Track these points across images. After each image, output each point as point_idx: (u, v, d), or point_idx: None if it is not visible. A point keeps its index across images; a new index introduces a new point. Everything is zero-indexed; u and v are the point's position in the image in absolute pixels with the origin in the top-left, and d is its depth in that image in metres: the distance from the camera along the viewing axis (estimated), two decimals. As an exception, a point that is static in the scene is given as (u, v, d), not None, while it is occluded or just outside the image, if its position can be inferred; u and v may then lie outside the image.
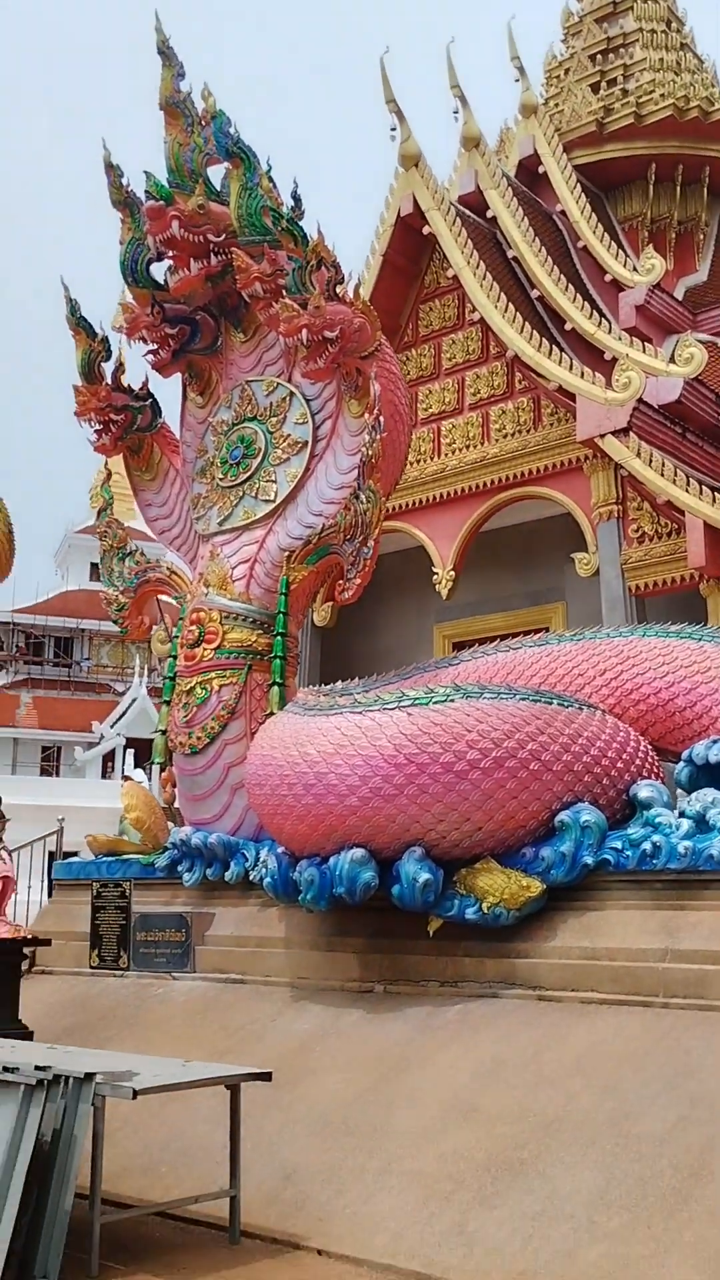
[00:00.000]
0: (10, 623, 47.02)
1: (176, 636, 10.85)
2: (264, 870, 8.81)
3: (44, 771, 46.21)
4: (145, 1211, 5.79)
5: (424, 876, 7.90)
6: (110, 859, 10.83)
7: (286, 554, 10.31)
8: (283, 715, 8.99)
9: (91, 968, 10.27)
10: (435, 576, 15.66)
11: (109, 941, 10.21)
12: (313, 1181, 6.27)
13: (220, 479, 10.90)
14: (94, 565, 50.92)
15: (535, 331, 14.85)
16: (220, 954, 9.52)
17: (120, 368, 11.58)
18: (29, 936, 8.98)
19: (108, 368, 11.55)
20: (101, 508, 12.06)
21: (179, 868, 10.13)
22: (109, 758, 45.81)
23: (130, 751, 44.19)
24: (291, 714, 8.84)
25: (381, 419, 9.63)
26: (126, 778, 12.55)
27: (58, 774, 46.19)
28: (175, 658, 10.80)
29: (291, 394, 10.73)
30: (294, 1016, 8.32)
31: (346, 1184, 6.16)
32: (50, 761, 47.21)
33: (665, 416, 14.67)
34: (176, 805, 10.71)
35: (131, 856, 10.67)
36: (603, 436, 13.88)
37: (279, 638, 10.24)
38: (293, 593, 10.29)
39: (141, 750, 44.75)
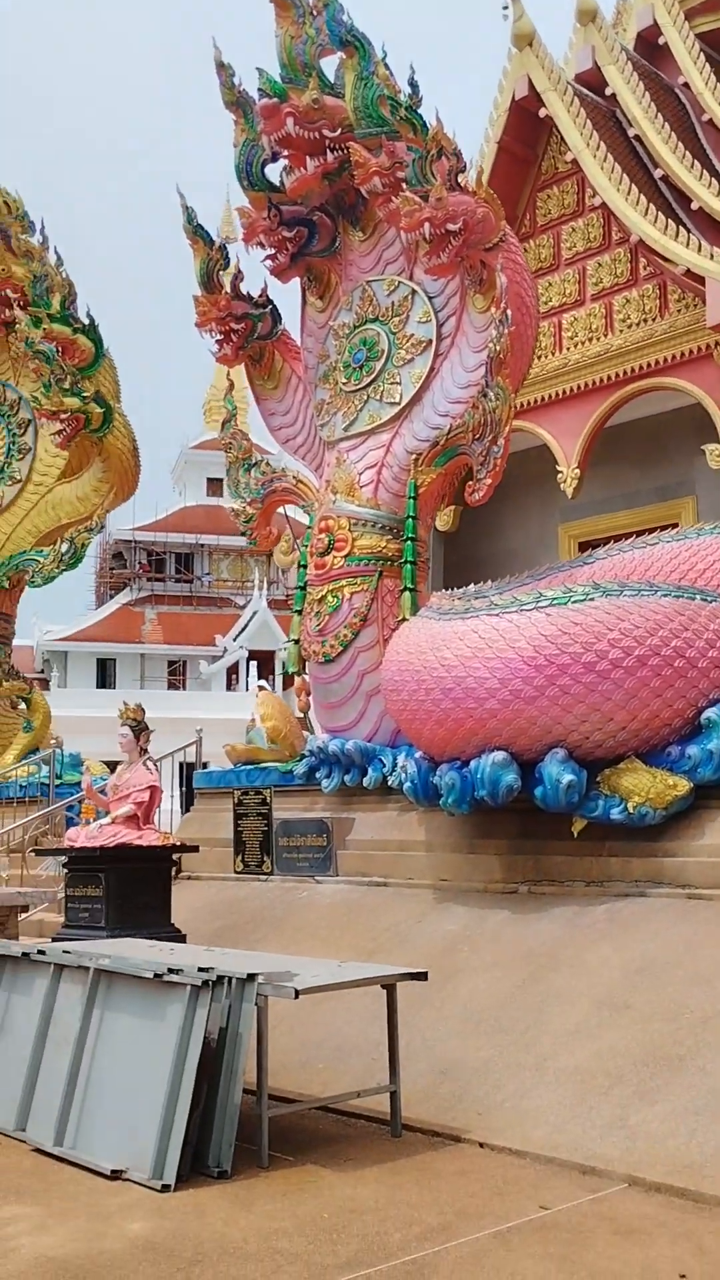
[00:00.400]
0: (132, 540, 47.72)
1: (305, 546, 10.83)
2: (403, 775, 8.83)
3: (170, 685, 47.23)
4: (309, 1106, 5.92)
5: (568, 778, 7.83)
6: (249, 767, 10.98)
7: (414, 457, 10.16)
8: (417, 620, 8.93)
9: (236, 873, 10.49)
10: (560, 475, 15.31)
11: (252, 847, 10.39)
12: (468, 1077, 6.34)
13: (344, 383, 10.75)
14: (210, 481, 51.63)
15: (660, 213, 14.22)
16: (361, 858, 9.63)
17: (238, 275, 11.44)
18: (179, 843, 9.18)
19: (226, 276, 11.42)
20: (225, 419, 12.02)
21: (317, 774, 10.22)
22: (233, 670, 46.55)
23: (253, 664, 44.83)
24: (426, 619, 8.76)
25: (509, 312, 9.35)
26: (262, 687, 12.68)
27: (184, 687, 47.17)
28: (305, 567, 10.79)
29: (413, 292, 10.48)
30: (439, 917, 8.38)
31: (503, 1079, 6.21)
32: (176, 675, 48.18)
33: None
34: (310, 713, 10.79)
35: (269, 765, 10.80)
36: (732, 320, 13.31)
37: (409, 542, 10.14)
38: (421, 496, 10.16)
39: (264, 662, 45.40)
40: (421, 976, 5.97)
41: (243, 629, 47.03)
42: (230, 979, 5.43)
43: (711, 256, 13.61)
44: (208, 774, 11.75)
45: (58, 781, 13.34)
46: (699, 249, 13.83)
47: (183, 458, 51.31)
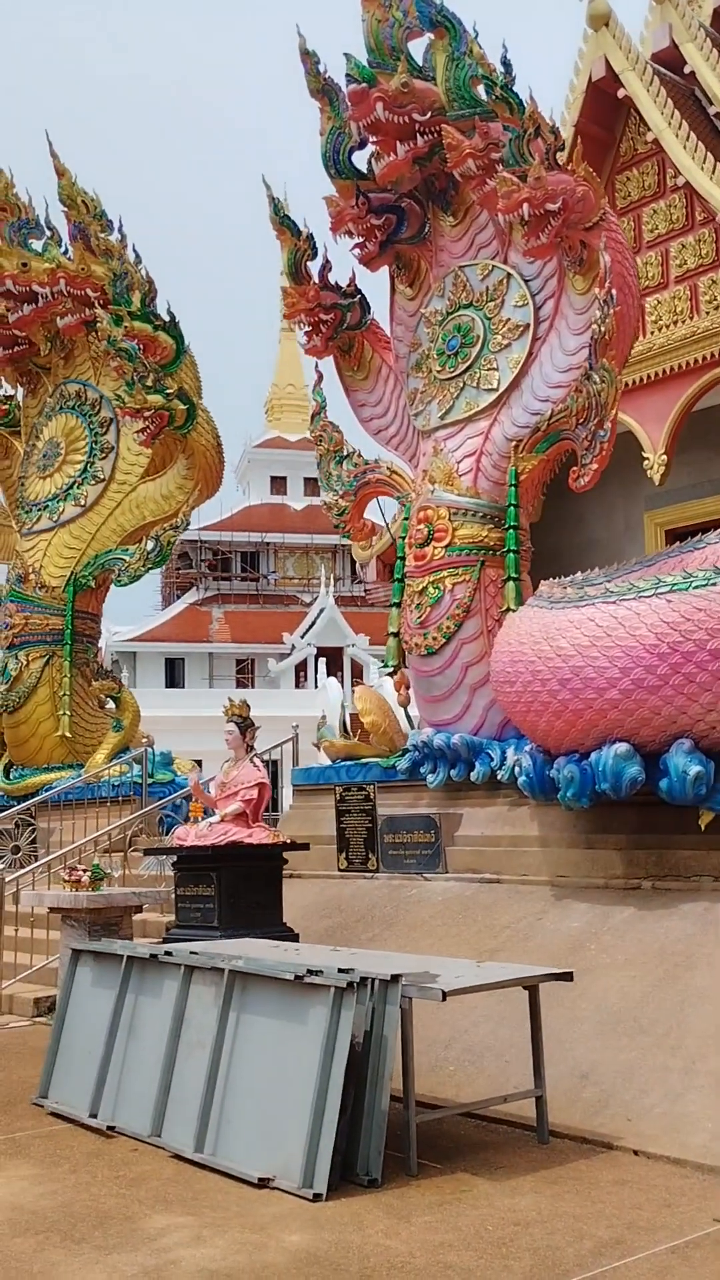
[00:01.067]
0: (197, 540, 47.84)
1: (404, 537, 10.64)
2: (516, 769, 8.60)
3: (239, 684, 47.27)
4: (454, 1111, 5.73)
5: (695, 769, 7.56)
6: (349, 763, 10.81)
7: (514, 444, 9.92)
8: (527, 610, 8.69)
9: (340, 870, 10.32)
10: (646, 462, 14.95)
11: (356, 844, 10.22)
12: (612, 1081, 6.12)
13: (438, 372, 10.54)
14: (274, 479, 51.69)
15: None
16: (471, 854, 9.41)
17: (326, 265, 11.28)
18: (289, 841, 9.03)
19: (314, 267, 11.26)
20: (315, 412, 11.85)
21: (421, 769, 10.03)
22: (301, 668, 46.52)
23: (322, 660, 44.74)
24: (537, 608, 8.53)
25: (614, 292, 9.08)
26: (358, 682, 12.48)
27: (252, 685, 47.20)
28: (402, 559, 10.60)
29: (509, 275, 10.24)
30: (560, 915, 8.15)
31: (649, 1084, 5.98)
32: (245, 674, 48.24)
33: None
34: (411, 707, 10.60)
35: (370, 760, 10.62)
36: None
37: (511, 531, 9.91)
38: (522, 484, 9.92)
39: (332, 659, 45.30)
40: (567, 977, 5.77)
41: (310, 626, 47.01)
42: (373, 980, 5.24)
43: None
44: (306, 771, 11.60)
45: (150, 780, 13.26)
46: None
47: (246, 456, 51.40)
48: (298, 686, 46.07)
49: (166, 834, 12.62)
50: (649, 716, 7.69)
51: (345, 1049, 5.07)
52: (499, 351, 10.17)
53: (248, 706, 9.07)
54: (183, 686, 46.02)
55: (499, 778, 9.39)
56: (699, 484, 16.18)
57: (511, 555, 9.85)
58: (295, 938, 8.48)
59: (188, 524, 14.19)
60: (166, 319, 14.06)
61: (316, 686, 43.03)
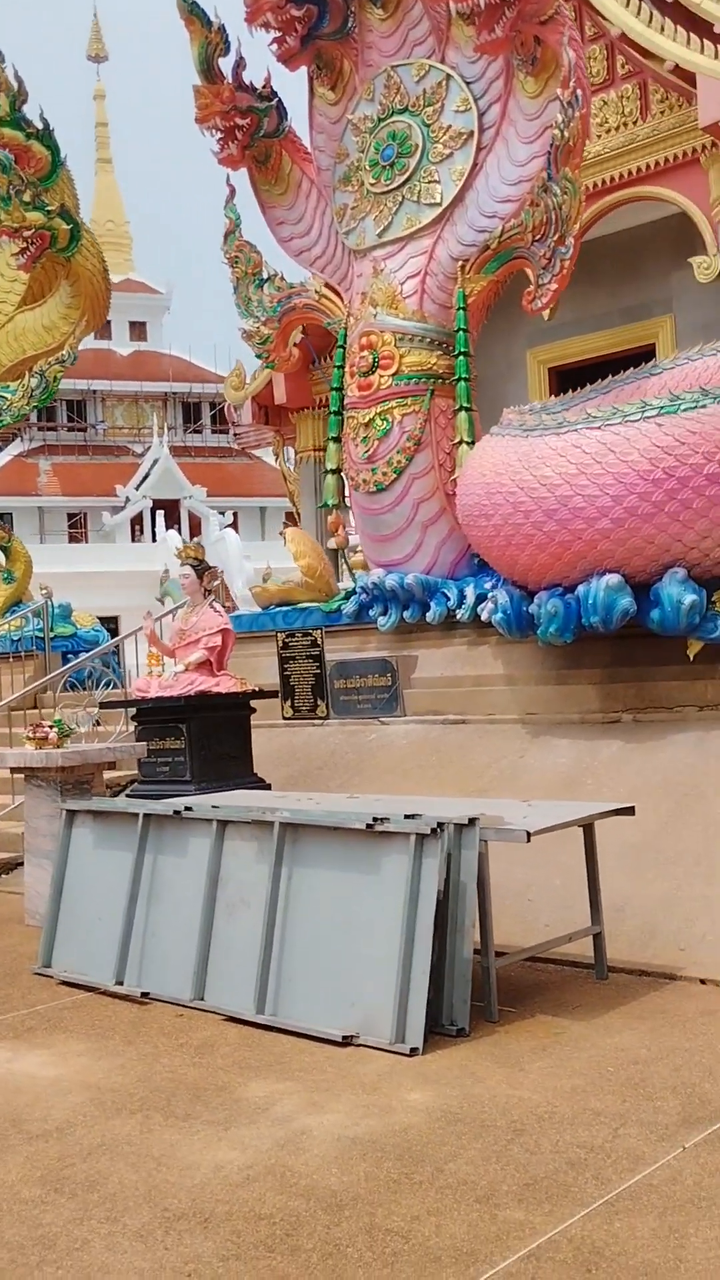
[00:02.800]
0: (20, 388, 45.26)
1: (339, 366, 10.00)
2: (492, 606, 8.27)
3: (72, 539, 45.69)
4: (525, 955, 5.50)
5: (689, 598, 7.38)
6: (285, 609, 10.31)
7: (460, 263, 9.34)
8: (495, 440, 8.26)
9: (285, 718, 9.92)
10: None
11: (302, 691, 9.82)
12: (651, 912, 6.01)
13: (371, 184, 9.79)
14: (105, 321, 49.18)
15: (642, 3, 13.22)
16: (432, 696, 9.14)
17: (240, 63, 10.27)
18: (257, 689, 8.54)
19: (226, 65, 10.25)
20: (229, 230, 10.92)
21: (370, 612, 9.62)
22: (136, 521, 45.15)
23: (159, 513, 43.51)
24: (508, 436, 8.11)
25: (579, 93, 8.50)
26: (287, 524, 11.88)
27: (86, 540, 45.70)
28: (338, 390, 9.99)
29: (448, 77, 9.49)
30: (542, 751, 7.98)
31: (694, 913, 5.89)
32: (77, 528, 46.61)
33: None
34: (348, 549, 10.14)
35: (309, 605, 10.15)
36: (729, 120, 12.51)
37: (461, 358, 9.40)
38: (471, 307, 9.39)
39: (170, 511, 44.12)
40: (629, 811, 5.56)
41: (144, 478, 45.47)
42: (447, 825, 4.90)
43: (702, 49, 12.76)
44: (237, 618, 11.04)
45: (52, 634, 12.49)
46: (687, 42, 12.94)
47: (70, 296, 48.59)
48: (134, 541, 44.76)
49: (68, 691, 11.93)
50: (641, 546, 7.44)
51: (432, 898, 4.74)
52: (440, 162, 9.48)
53: (202, 549, 8.45)
54: (13, 542, 44.06)
55: (458, 617, 9.07)
56: (581, 320, 15.82)
57: (463, 384, 9.37)
58: (268, 788, 8.09)
59: (74, 358, 13.11)
60: (40, 127, 12.72)
61: (154, 540, 41.93)
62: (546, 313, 14.64)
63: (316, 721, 9.71)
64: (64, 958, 6.07)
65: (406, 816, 4.97)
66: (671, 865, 6.29)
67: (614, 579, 7.51)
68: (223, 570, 11.56)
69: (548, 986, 5.50)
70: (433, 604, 9.26)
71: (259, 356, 10.86)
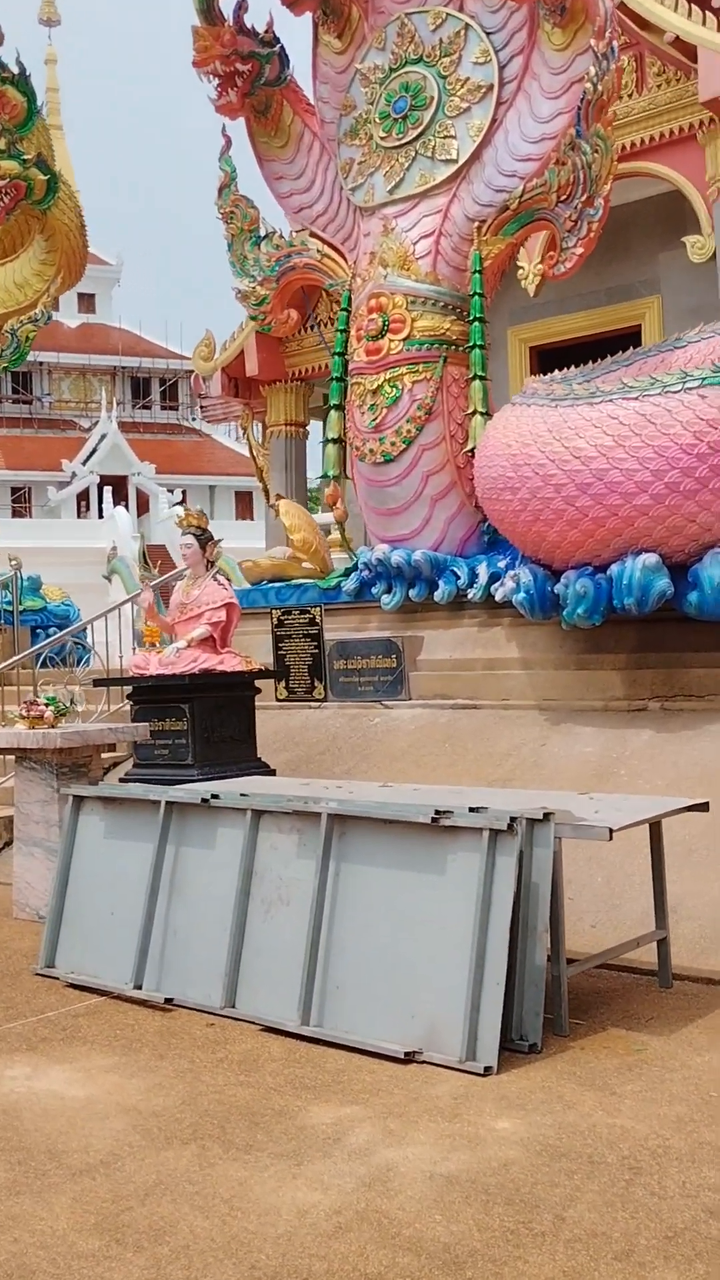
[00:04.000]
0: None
1: (343, 330, 9.47)
2: (513, 585, 7.81)
3: (15, 514, 44.51)
4: (592, 964, 5.04)
5: (731, 580, 6.98)
6: (278, 585, 9.77)
7: (477, 224, 8.86)
8: (520, 409, 7.79)
9: (279, 700, 9.40)
10: (521, 271, 14.07)
11: (298, 672, 9.30)
12: (708, 914, 5.60)
13: (381, 138, 9.26)
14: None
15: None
16: (439, 679, 8.66)
17: (243, 4, 9.68)
18: (263, 668, 8.01)
19: (227, 8, 9.67)
20: (224, 184, 10.33)
21: (373, 590, 9.13)
22: (83, 497, 44.13)
23: (106, 489, 42.54)
24: (534, 406, 7.64)
25: (614, 45, 8.04)
26: (280, 496, 11.28)
27: (30, 515, 44.59)
28: (342, 355, 9.46)
29: (466, 26, 8.97)
30: (566, 740, 7.54)
31: (756, 916, 5.49)
32: (21, 503, 45.44)
33: None
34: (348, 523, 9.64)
35: (304, 581, 9.63)
36: (731, 94, 12.09)
37: (476, 324, 8.93)
38: (486, 270, 8.92)
39: (117, 488, 43.16)
40: (703, 807, 5.12)
41: (91, 453, 44.44)
42: (519, 820, 4.43)
43: (704, 21, 12.35)
44: (226, 593, 10.49)
45: (21, 608, 11.84)
46: (689, 14, 12.53)
47: (16, 265, 47.37)
48: (80, 517, 43.76)
49: (43, 668, 11.30)
50: (681, 525, 7.03)
51: (507, 901, 4.27)
52: (457, 116, 8.98)
53: (205, 516, 7.89)
54: (-46, 516, 42.96)
55: (469, 597, 8.61)
56: (565, 299, 15.42)
57: (478, 351, 8.90)
58: (273, 774, 7.58)
59: (49, 317, 12.43)
60: (15, 71, 12.01)
61: (101, 516, 41.01)
62: (531, 290, 14.21)
63: (313, 704, 9.19)
64: (71, 957, 5.52)
65: (471, 810, 4.50)
66: (725, 864, 5.88)
67: (651, 559, 7.09)
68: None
69: (610, 995, 5.06)
70: (441, 582, 8.78)
71: (254, 318, 10.31)
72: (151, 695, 7.44)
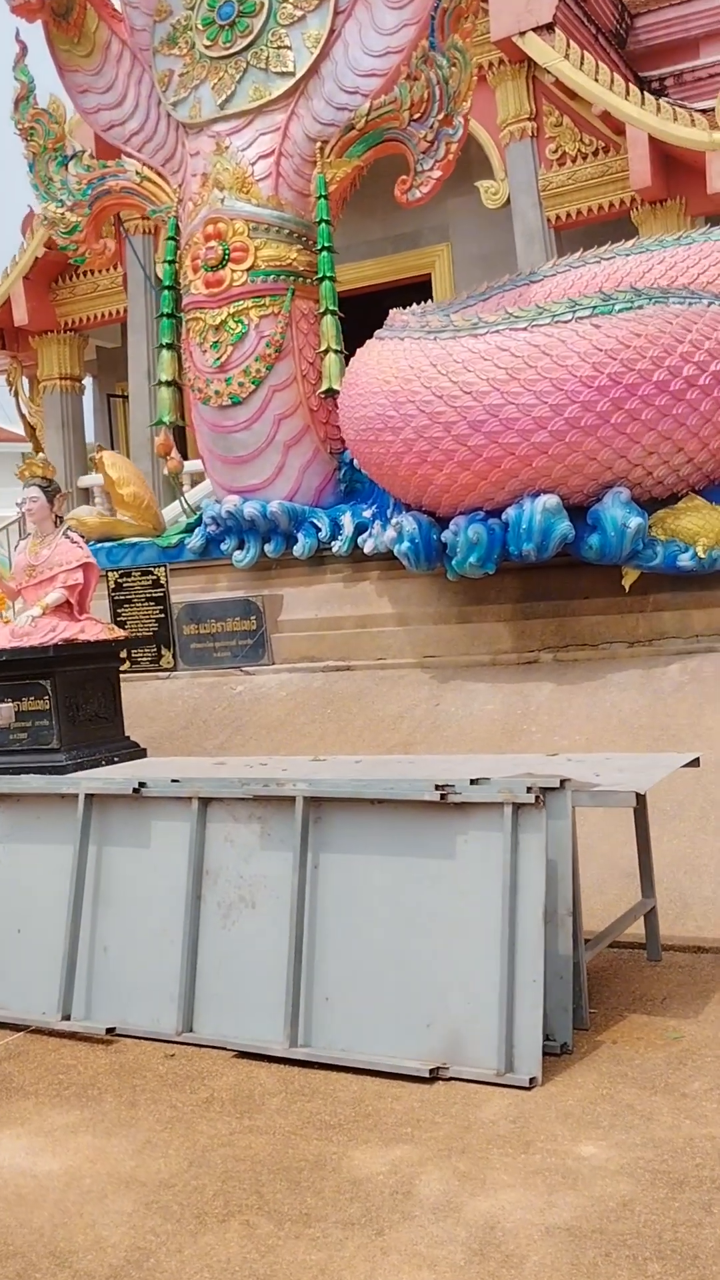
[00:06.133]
0: None
1: (170, 261, 8.59)
2: (393, 535, 7.22)
3: None
4: (603, 945, 4.52)
5: (635, 520, 6.63)
6: (109, 545, 8.83)
7: (319, 144, 8.17)
8: (391, 344, 7.18)
9: (120, 671, 8.48)
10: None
11: (142, 639, 8.41)
12: (674, 878, 5.21)
13: (206, 47, 8.40)
14: None
15: None
16: (305, 640, 8.00)
17: None
18: (128, 635, 7.10)
19: None
20: (20, 96, 9.19)
21: (221, 546, 8.36)
22: None
23: None
24: (407, 339, 7.05)
25: (471, -51, 7.49)
26: (101, 446, 10.14)
27: None
28: (173, 288, 8.58)
29: (298, -72, 8.24)
30: (460, 698, 7.04)
31: (725, 873, 5.14)
32: None
33: (581, 12, 12.72)
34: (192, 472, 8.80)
35: (139, 540, 8.73)
36: (522, 34, 11.80)
37: (324, 253, 8.26)
38: (332, 195, 8.25)
39: None
40: (695, 763, 4.69)
41: None
42: (534, 790, 3.87)
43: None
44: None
45: None
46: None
47: None
48: None
49: None
50: (582, 463, 6.62)
51: (538, 884, 3.71)
52: (291, 25, 8.24)
53: (51, 466, 6.89)
54: None
55: (334, 550, 7.97)
56: (352, 246, 14.90)
57: (328, 283, 8.25)
58: (143, 753, 6.74)
59: None
60: None
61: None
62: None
63: (161, 674, 8.35)
64: (-34, 988, 4.59)
65: (472, 782, 3.90)
66: (674, 820, 5.52)
67: (552, 500, 6.65)
68: None
69: (604, 975, 4.58)
70: (301, 535, 8.11)
71: (64, 248, 9.22)
72: (2, 671, 6.45)
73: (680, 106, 11.59)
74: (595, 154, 12.30)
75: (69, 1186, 3.16)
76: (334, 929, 3.97)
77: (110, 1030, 4.19)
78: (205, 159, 8.31)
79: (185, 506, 8.84)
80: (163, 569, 8.31)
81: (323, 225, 8.18)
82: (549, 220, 12.45)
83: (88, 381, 17.11)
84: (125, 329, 15.02)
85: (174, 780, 4.40)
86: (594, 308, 6.69)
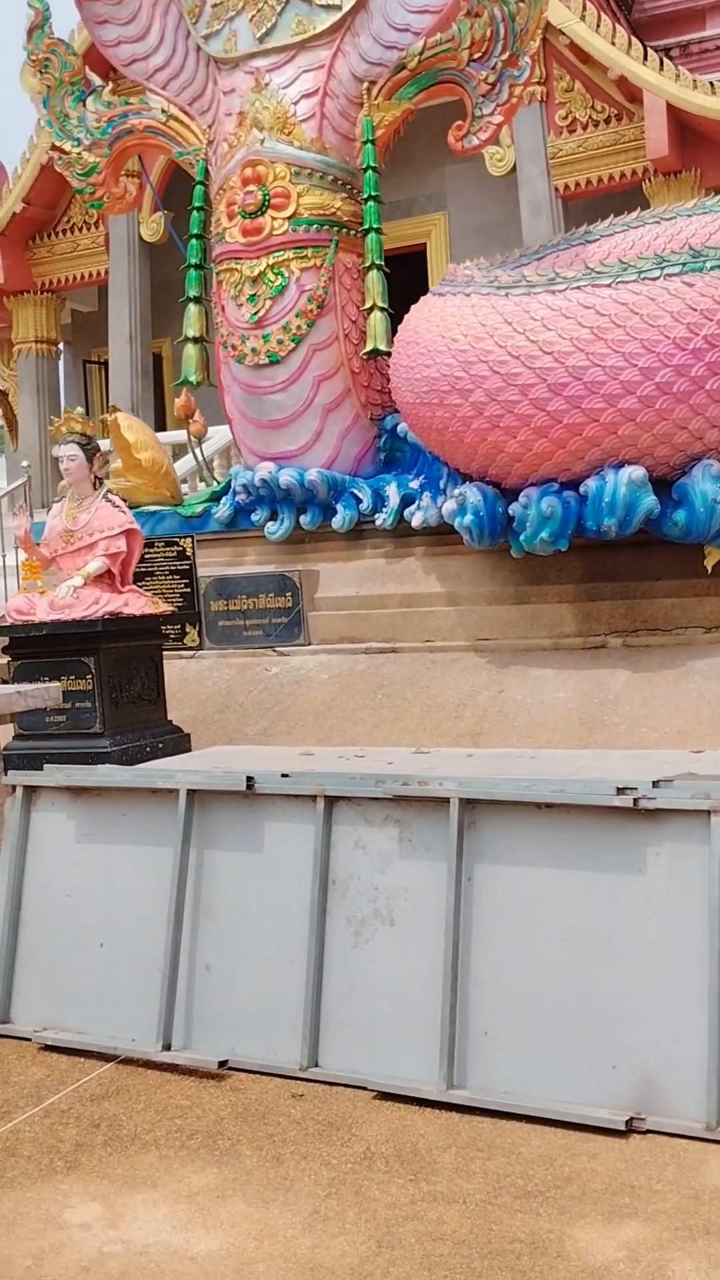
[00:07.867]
0: None
1: (199, 207, 7.94)
2: (454, 507, 6.67)
3: None
4: None
5: (725, 497, 6.15)
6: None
7: (366, 85, 7.58)
8: (453, 300, 6.62)
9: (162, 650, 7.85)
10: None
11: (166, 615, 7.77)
12: None
13: (243, -25, 7.77)
14: None
15: None
16: (345, 619, 7.44)
17: None
18: (173, 610, 6.48)
19: None
20: (35, 25, 8.45)
21: (253, 517, 7.76)
22: None
23: None
24: (474, 295, 6.50)
25: None
26: (115, 408, 9.42)
27: None
28: (200, 237, 7.95)
29: None
30: (526, 685, 6.53)
31: None
32: None
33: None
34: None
35: (160, 508, 8.10)
36: (539, -6, 11.27)
37: (370, 203, 7.67)
38: (379, 140, 7.67)
39: None
40: None
41: None
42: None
43: None
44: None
45: None
46: None
47: None
48: None
49: None
50: (671, 431, 6.13)
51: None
52: (338, -45, 7.62)
53: (89, 423, 6.24)
54: None
55: (377, 524, 7.41)
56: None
57: (374, 235, 7.67)
58: (188, 740, 6.14)
59: None
60: None
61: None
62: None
63: (186, 653, 7.74)
64: (38, 1008, 3.99)
65: (655, 784, 3.39)
66: None
67: (638, 472, 6.15)
68: None
69: None
70: (340, 507, 7.54)
71: (80, 191, 8.52)
72: (38, 647, 5.81)
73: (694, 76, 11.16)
74: (607, 121, 11.85)
75: (240, 1274, 2.60)
76: (492, 952, 3.44)
77: (222, 1063, 3.62)
78: (242, 97, 7.68)
79: (205, 474, 8.22)
80: (189, 540, 7.68)
81: (369, 172, 7.60)
82: (557, 190, 11.98)
83: (62, 347, 16.37)
84: (105, 292, 14.31)
85: (284, 775, 3.84)
86: (684, 265, 6.18)
